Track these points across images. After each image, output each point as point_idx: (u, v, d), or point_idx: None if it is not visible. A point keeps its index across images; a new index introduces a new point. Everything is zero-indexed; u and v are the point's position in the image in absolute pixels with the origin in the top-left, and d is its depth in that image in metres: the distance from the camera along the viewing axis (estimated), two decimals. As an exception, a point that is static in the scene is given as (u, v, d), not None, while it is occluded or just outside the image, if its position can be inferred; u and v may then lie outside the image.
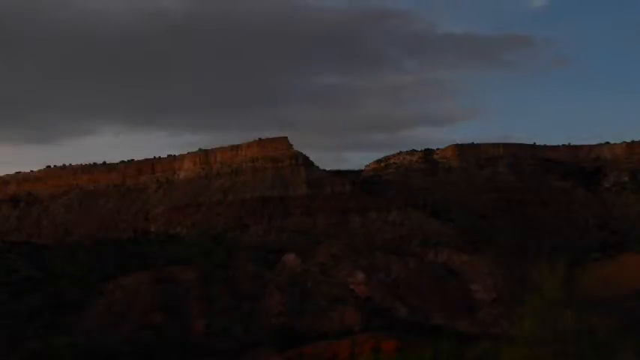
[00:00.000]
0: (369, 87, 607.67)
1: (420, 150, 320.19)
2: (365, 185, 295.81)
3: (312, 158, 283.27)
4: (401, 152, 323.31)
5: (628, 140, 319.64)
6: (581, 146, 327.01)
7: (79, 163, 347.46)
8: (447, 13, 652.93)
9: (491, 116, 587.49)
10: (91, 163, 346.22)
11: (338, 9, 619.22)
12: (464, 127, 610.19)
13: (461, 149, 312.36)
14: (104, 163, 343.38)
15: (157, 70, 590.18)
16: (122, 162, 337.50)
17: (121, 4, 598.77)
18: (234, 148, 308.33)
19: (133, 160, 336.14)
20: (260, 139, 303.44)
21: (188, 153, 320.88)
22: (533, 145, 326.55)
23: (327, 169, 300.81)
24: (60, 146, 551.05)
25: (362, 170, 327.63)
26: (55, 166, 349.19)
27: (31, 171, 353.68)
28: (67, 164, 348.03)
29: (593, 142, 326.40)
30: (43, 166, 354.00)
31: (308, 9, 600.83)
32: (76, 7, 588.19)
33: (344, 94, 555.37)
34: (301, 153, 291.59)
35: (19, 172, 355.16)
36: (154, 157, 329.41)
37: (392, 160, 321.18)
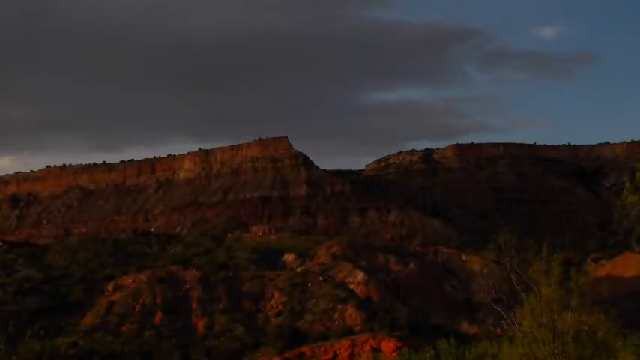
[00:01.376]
0: (438, 101, 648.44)
1: (420, 150, 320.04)
2: (365, 185, 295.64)
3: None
4: (401, 152, 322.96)
5: (628, 140, 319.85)
6: (581, 146, 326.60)
7: (79, 163, 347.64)
8: (520, 33, 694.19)
9: (551, 124, 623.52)
10: (91, 163, 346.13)
11: (421, 27, 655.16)
12: (519, 135, 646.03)
13: (461, 149, 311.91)
14: (104, 163, 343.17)
15: (231, 82, 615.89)
16: (122, 162, 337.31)
17: (217, 23, 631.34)
18: (234, 148, 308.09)
19: (132, 160, 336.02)
20: (260, 138, 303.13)
21: (188, 153, 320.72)
22: (533, 145, 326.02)
23: (327, 169, 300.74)
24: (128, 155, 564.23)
25: (362, 170, 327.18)
26: (55, 166, 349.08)
27: (31, 171, 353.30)
28: (67, 164, 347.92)
29: (593, 142, 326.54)
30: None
31: (394, 27, 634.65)
32: (176, 29, 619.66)
33: (414, 107, 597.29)
34: (301, 153, 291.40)
35: (19, 172, 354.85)
36: (154, 157, 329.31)
37: (392, 160, 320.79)
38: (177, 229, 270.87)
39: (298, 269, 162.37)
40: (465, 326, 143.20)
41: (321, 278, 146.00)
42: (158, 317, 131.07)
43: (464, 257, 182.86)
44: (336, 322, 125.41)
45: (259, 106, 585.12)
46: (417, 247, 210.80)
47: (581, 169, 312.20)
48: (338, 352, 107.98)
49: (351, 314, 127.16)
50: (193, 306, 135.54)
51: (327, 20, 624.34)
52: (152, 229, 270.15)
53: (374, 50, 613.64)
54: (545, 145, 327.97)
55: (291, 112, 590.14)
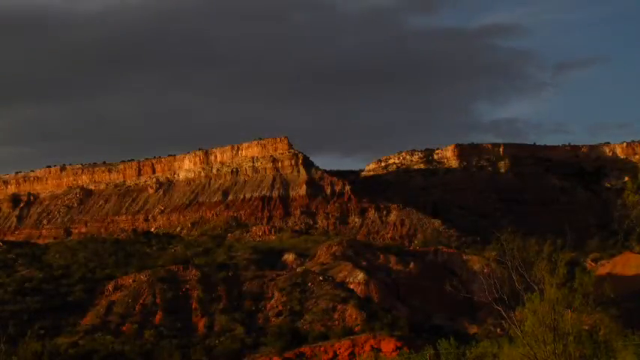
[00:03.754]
0: (544, 118, 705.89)
1: (420, 150, 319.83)
2: (365, 185, 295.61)
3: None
4: (401, 152, 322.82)
5: (628, 140, 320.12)
6: (581, 146, 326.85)
7: (79, 163, 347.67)
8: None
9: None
10: (91, 162, 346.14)
11: (548, 55, 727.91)
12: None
13: (461, 149, 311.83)
14: (104, 162, 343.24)
15: (372, 100, 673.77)
16: (122, 162, 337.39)
17: (364, 45, 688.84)
18: (234, 148, 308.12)
19: (132, 160, 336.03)
20: (260, 138, 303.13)
21: (188, 153, 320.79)
22: (533, 145, 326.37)
23: (327, 169, 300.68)
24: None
25: (362, 170, 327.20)
26: (55, 165, 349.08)
27: (31, 171, 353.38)
28: (67, 164, 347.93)
29: (593, 142, 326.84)
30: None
31: (523, 54, 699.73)
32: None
33: (521, 123, 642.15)
34: (301, 153, 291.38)
35: (19, 172, 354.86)
36: (154, 157, 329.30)
37: (392, 160, 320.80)
38: (177, 229, 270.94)
39: (298, 269, 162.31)
40: (465, 326, 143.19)
41: (321, 278, 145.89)
42: (158, 317, 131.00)
43: (464, 257, 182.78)
44: (336, 322, 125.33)
45: (391, 122, 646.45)
46: (417, 247, 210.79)
47: (581, 169, 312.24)
48: (338, 352, 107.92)
49: (351, 314, 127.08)
50: (193, 306, 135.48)
51: (465, 48, 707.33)
52: (152, 229, 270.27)
53: (501, 74, 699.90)
54: (545, 145, 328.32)
55: (420, 126, 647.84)
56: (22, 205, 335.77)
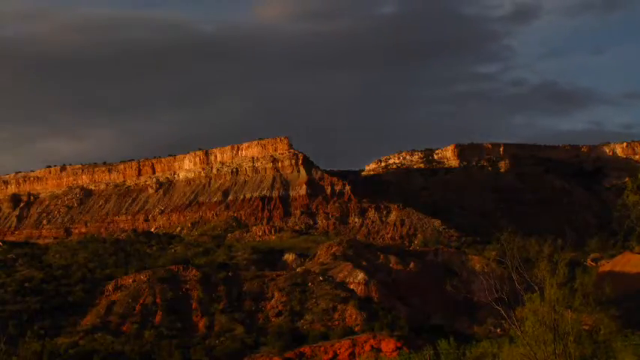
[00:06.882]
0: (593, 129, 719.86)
1: (420, 150, 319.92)
2: (365, 185, 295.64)
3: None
4: (401, 152, 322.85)
5: (628, 140, 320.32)
6: (581, 146, 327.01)
7: (79, 163, 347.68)
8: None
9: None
10: (92, 163, 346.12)
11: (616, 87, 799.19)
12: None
13: (461, 149, 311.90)
14: (104, 163, 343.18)
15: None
16: (122, 162, 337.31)
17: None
18: (234, 148, 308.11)
19: (132, 160, 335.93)
20: (260, 138, 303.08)
21: (188, 153, 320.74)
22: (534, 145, 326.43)
23: (327, 169, 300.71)
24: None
25: (362, 170, 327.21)
26: (55, 166, 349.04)
27: (31, 171, 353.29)
28: (68, 164, 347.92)
29: (594, 142, 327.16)
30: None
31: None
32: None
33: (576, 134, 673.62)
34: (301, 153, 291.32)
35: (19, 172, 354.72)
36: (154, 157, 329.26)
37: (392, 160, 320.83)
38: (177, 229, 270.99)
39: (298, 269, 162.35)
40: (465, 326, 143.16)
41: (321, 278, 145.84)
42: (158, 317, 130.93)
43: (464, 257, 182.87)
44: (336, 322, 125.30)
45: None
46: (417, 247, 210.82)
47: (581, 169, 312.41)
48: (338, 352, 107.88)
49: (351, 314, 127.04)
50: (193, 306, 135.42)
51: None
52: (152, 229, 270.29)
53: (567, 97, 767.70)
54: (545, 145, 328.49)
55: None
56: (22, 205, 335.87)
